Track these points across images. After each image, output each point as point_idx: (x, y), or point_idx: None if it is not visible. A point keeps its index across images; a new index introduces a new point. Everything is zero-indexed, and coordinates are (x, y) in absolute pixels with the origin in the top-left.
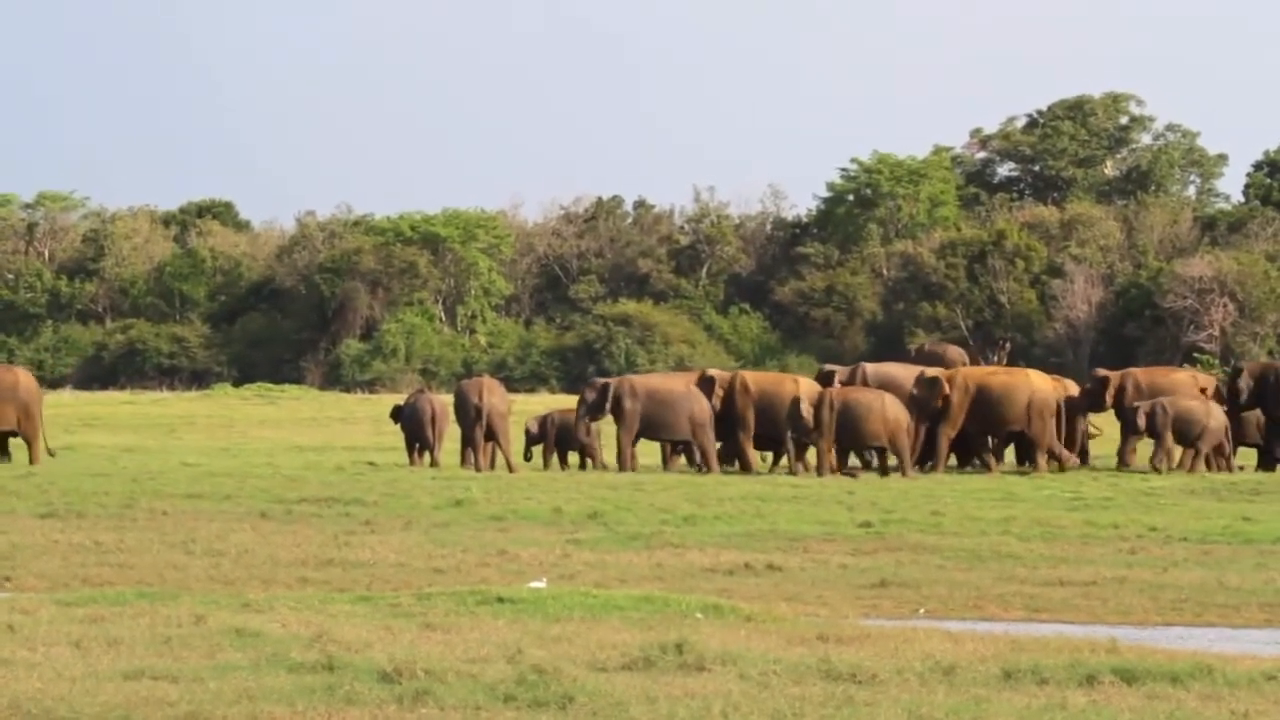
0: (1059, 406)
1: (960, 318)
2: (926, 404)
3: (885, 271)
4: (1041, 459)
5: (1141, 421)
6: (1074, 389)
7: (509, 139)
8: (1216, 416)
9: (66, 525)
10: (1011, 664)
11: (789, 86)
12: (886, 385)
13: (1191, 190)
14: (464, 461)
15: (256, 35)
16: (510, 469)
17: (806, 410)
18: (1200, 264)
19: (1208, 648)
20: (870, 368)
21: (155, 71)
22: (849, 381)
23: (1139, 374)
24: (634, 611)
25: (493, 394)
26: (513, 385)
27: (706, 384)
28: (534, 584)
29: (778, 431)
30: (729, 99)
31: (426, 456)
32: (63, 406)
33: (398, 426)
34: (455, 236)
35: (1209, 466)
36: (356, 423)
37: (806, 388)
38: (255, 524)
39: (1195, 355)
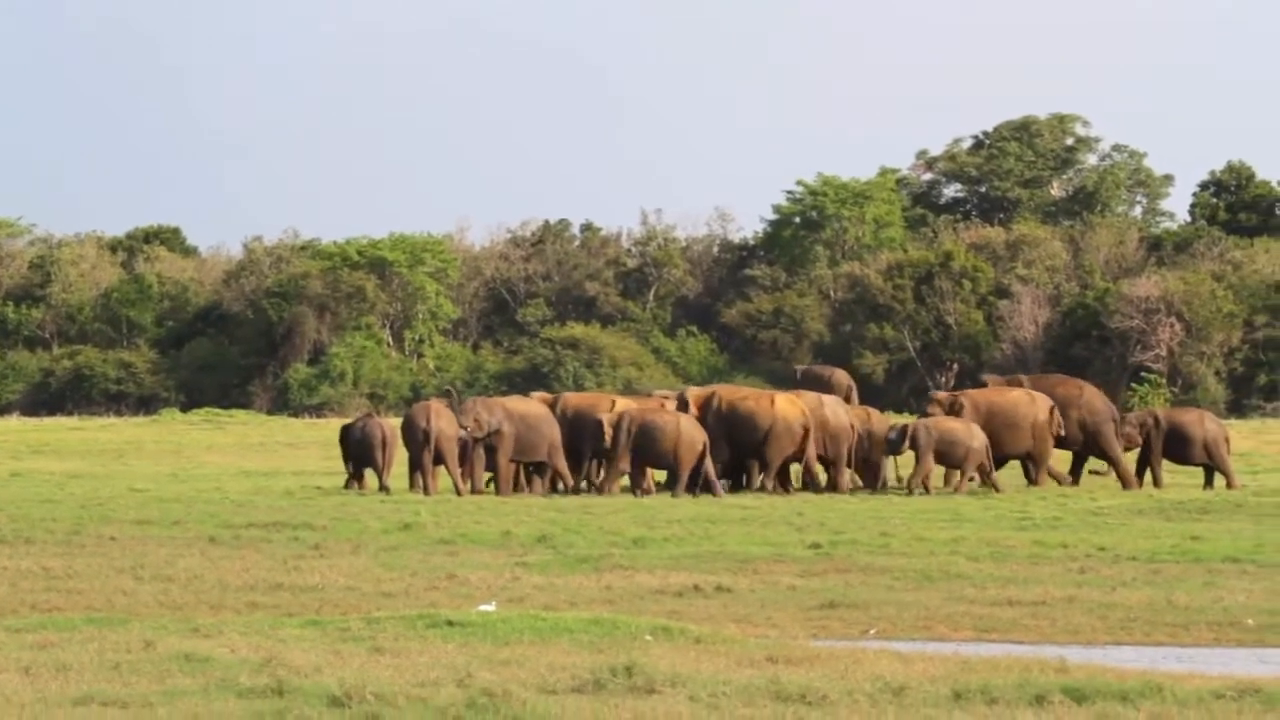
0: (807, 430)
1: (907, 339)
2: None
3: (832, 293)
4: (768, 482)
5: (904, 441)
6: (878, 419)
7: (455, 162)
8: (979, 437)
9: (14, 551)
10: (961, 684)
11: (735, 109)
12: (736, 411)
13: (1138, 210)
14: (412, 486)
15: (203, 62)
16: (459, 493)
17: (606, 430)
18: (1147, 284)
19: (1157, 666)
20: (726, 390)
21: (102, 99)
22: (704, 405)
23: (975, 394)
24: (583, 634)
25: (440, 418)
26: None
27: None
28: (483, 607)
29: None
30: (675, 122)
31: (374, 481)
32: (9, 433)
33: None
34: (402, 261)
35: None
36: (304, 447)
37: (621, 408)
38: (204, 549)
39: (1143, 375)
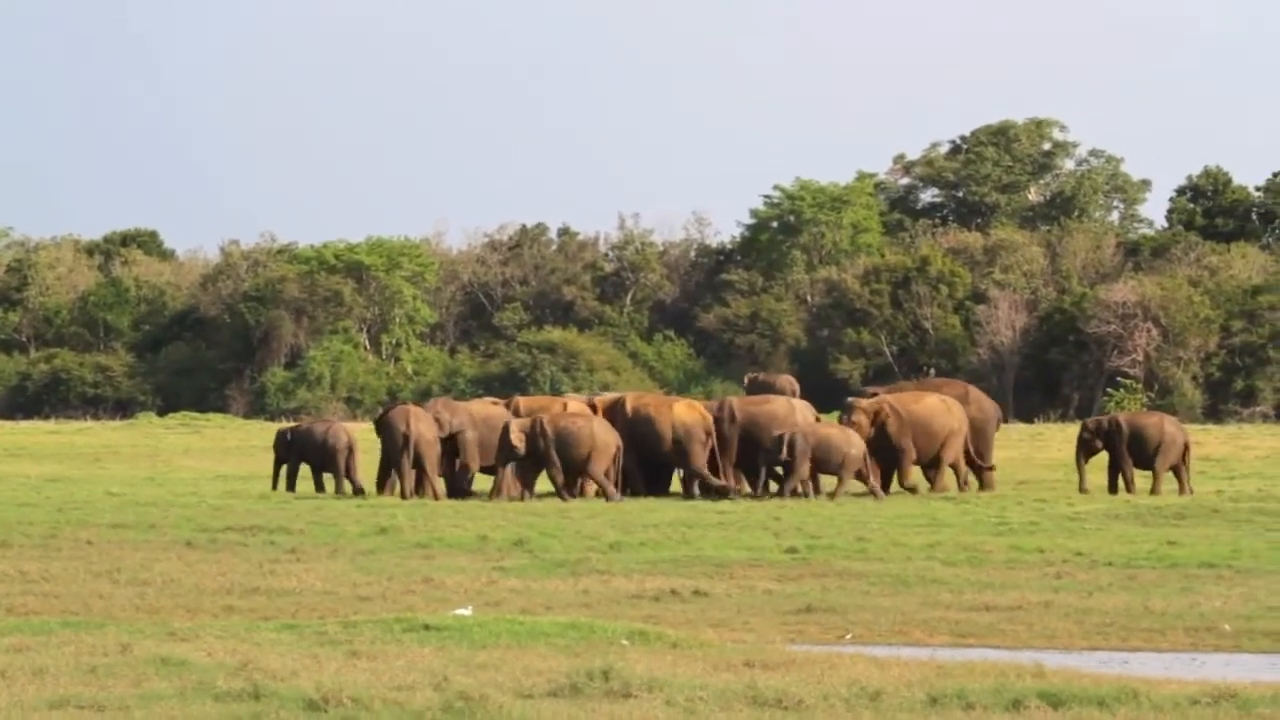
0: (709, 435)
1: (885, 344)
2: None
3: (810, 298)
4: (695, 489)
5: (783, 451)
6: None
7: (432, 166)
8: (856, 444)
9: None
10: (937, 689)
11: (712, 114)
12: (639, 417)
13: (1115, 216)
14: (381, 489)
15: (179, 66)
16: (435, 497)
17: (517, 437)
18: (1124, 289)
19: (1133, 672)
20: (631, 397)
21: (80, 102)
22: (609, 411)
23: (892, 400)
24: (560, 638)
25: (420, 422)
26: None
27: None
28: (460, 611)
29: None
30: (653, 126)
31: (332, 485)
32: None
33: (280, 452)
34: (379, 265)
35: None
36: None
37: (574, 409)
38: (180, 553)
39: (1119, 380)
